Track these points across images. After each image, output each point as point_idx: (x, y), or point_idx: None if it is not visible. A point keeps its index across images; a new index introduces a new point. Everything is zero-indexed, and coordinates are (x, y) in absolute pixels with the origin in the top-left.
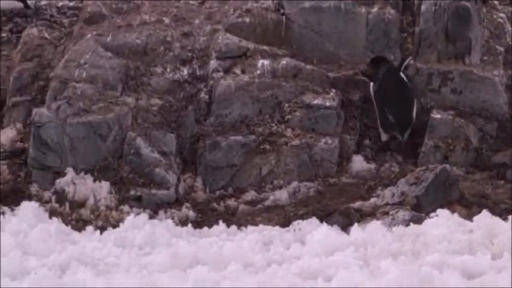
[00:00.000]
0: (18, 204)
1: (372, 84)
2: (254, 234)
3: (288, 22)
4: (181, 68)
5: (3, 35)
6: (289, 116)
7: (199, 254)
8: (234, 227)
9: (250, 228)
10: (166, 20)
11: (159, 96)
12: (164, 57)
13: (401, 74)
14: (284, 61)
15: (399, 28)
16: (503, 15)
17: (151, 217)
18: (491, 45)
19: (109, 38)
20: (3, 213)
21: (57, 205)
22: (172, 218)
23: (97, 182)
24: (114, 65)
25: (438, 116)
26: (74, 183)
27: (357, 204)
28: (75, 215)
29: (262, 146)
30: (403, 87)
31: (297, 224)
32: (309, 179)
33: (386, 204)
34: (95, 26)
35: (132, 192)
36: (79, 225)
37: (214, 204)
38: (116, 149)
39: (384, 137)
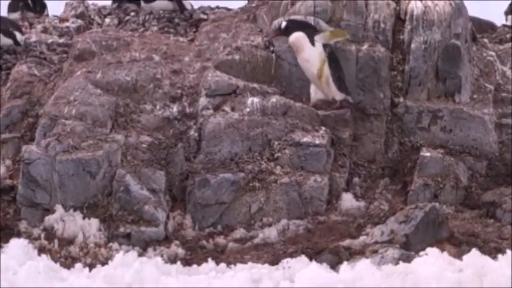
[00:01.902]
0: (7, 241)
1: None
2: (243, 272)
3: (277, 60)
4: (171, 105)
5: None
6: (279, 154)
7: None
8: (223, 265)
9: (239, 266)
10: (156, 57)
11: (149, 133)
12: (154, 95)
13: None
14: (274, 99)
15: (389, 66)
16: (493, 53)
17: (140, 255)
18: (481, 83)
19: (99, 75)
20: None
21: (46, 242)
22: (162, 256)
23: (86, 219)
24: (103, 102)
25: (428, 154)
26: (63, 221)
27: (346, 242)
28: (64, 252)
29: (251, 184)
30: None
31: (286, 262)
32: (298, 217)
33: (376, 242)
34: (85, 63)
35: (121, 230)
36: (68, 262)
37: (204, 242)
38: (105, 186)
39: (340, 96)
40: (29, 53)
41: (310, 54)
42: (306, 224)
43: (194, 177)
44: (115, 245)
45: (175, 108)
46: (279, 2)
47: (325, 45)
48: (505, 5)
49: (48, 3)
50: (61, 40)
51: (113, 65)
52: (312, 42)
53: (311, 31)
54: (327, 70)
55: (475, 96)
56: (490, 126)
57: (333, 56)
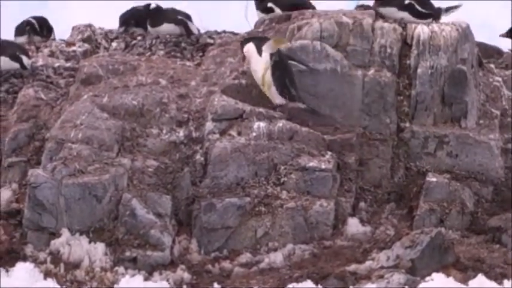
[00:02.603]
0: (13, 265)
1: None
2: None
3: None
4: (177, 130)
5: (0, 95)
6: (285, 179)
7: None
8: None
9: None
10: (163, 82)
11: (155, 157)
12: (160, 119)
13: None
14: (280, 123)
15: (395, 91)
16: (499, 78)
17: (146, 279)
18: (487, 108)
19: (105, 99)
20: None
21: (52, 266)
22: (167, 280)
23: (92, 243)
24: (110, 126)
25: (434, 179)
26: (69, 244)
27: (352, 267)
28: (70, 276)
29: (257, 208)
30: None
31: (292, 287)
32: (304, 242)
33: (382, 267)
34: (91, 86)
35: (127, 254)
36: (74, 286)
37: (209, 266)
38: (111, 210)
39: (280, 100)
40: (35, 77)
41: (257, 63)
42: (312, 248)
43: (200, 201)
44: (121, 269)
45: (181, 133)
46: (286, 27)
47: (272, 54)
48: None
49: (55, 27)
50: (68, 64)
51: (120, 89)
52: (260, 53)
53: (260, 42)
54: (268, 77)
55: (481, 121)
56: (496, 152)
57: (279, 64)
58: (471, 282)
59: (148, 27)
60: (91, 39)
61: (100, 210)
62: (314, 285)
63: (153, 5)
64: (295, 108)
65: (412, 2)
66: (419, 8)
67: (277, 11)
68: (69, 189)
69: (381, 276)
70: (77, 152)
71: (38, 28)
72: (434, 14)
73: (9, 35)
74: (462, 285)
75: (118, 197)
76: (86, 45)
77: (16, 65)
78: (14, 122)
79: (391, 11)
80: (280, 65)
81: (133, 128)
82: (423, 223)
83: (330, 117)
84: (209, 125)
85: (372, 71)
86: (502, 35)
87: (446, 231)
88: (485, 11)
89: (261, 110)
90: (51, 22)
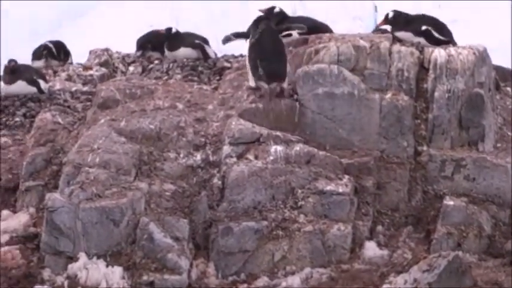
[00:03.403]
0: None
1: (249, 39)
2: None
3: (301, 108)
4: (195, 154)
5: (17, 119)
6: (302, 202)
7: None
8: None
9: None
10: (180, 106)
11: (172, 181)
12: (177, 143)
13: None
14: (297, 147)
15: (412, 114)
16: None
17: None
18: (504, 132)
19: (122, 123)
20: None
21: None
22: None
23: (109, 267)
24: (127, 150)
25: (451, 202)
26: (87, 268)
27: None
28: None
29: (274, 232)
30: (278, 44)
31: None
32: (322, 265)
33: None
34: (109, 111)
35: (145, 278)
36: None
37: None
38: (128, 234)
39: (253, 83)
40: (52, 101)
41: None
42: (330, 272)
43: (217, 225)
44: None
45: (198, 156)
46: (303, 50)
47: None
48: None
49: (73, 51)
50: (85, 88)
51: (137, 113)
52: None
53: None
54: (246, 61)
55: (498, 145)
56: None
57: (255, 47)
58: None
59: (166, 51)
60: (108, 63)
61: (117, 234)
62: None
63: (173, 29)
64: (272, 92)
65: (429, 28)
66: (436, 34)
67: (295, 34)
68: (86, 213)
69: None
70: (94, 176)
71: (55, 52)
72: (452, 41)
73: (26, 59)
74: None
75: (135, 221)
76: (103, 69)
77: (33, 89)
78: (32, 146)
79: (407, 36)
80: (255, 48)
81: (150, 152)
82: (440, 247)
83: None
84: (226, 149)
85: (389, 95)
86: None
87: (463, 254)
88: (502, 33)
89: (278, 133)
90: (68, 46)
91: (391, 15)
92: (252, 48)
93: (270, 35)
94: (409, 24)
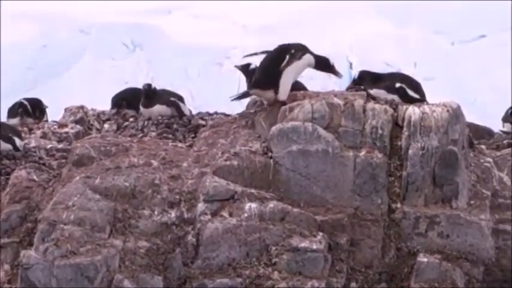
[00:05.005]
0: None
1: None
2: None
3: (275, 165)
4: (169, 211)
5: None
6: (277, 259)
7: None
8: None
9: None
10: (155, 163)
11: (147, 238)
12: (152, 200)
13: None
14: (271, 204)
15: (387, 172)
16: (490, 159)
17: None
18: (478, 189)
19: (97, 181)
20: None
21: None
22: None
23: None
24: (102, 207)
25: (425, 259)
26: None
27: None
28: None
29: None
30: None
31: None
32: None
33: None
34: (84, 168)
35: None
36: None
37: None
38: None
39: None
40: (28, 158)
41: None
42: None
43: (192, 282)
44: None
45: (173, 214)
46: (278, 108)
47: None
48: (502, 112)
49: (48, 109)
50: (60, 145)
51: (112, 171)
52: None
53: None
54: None
55: (472, 202)
56: (487, 232)
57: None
58: None
59: (141, 109)
60: (83, 120)
61: None
62: None
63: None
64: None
65: (403, 85)
66: (410, 92)
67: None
68: (61, 271)
69: None
70: (69, 233)
71: (30, 110)
72: (425, 100)
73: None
74: None
75: (110, 278)
76: (78, 127)
77: (9, 147)
78: (7, 203)
79: (380, 93)
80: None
81: (125, 209)
82: None
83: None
84: (201, 206)
85: (363, 152)
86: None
87: None
88: (476, 89)
89: (253, 191)
90: (44, 103)
91: (356, 75)
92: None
93: None
94: (381, 82)
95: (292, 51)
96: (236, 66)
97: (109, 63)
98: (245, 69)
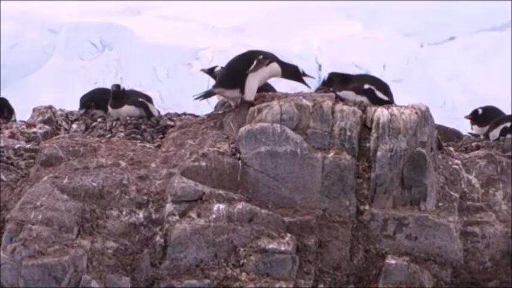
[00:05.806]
0: None
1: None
2: None
3: (244, 166)
4: (137, 211)
5: None
6: (245, 260)
7: None
8: None
9: None
10: (123, 163)
11: (115, 239)
12: (120, 201)
13: None
14: (240, 205)
15: (355, 173)
16: (458, 161)
17: None
18: (446, 191)
19: (65, 181)
20: None
21: None
22: None
23: None
24: (70, 207)
25: (393, 261)
26: None
27: None
28: None
29: None
30: None
31: None
32: None
33: None
34: (52, 168)
35: None
36: None
37: None
38: None
39: None
40: None
41: None
42: None
43: (160, 283)
44: None
45: (141, 214)
46: (246, 109)
47: None
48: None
49: (16, 109)
50: (28, 145)
51: (80, 171)
52: None
53: None
54: None
55: (440, 204)
56: (455, 234)
57: None
58: None
59: (109, 109)
60: (52, 120)
61: None
62: None
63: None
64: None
65: (372, 87)
66: (379, 94)
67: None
68: (28, 271)
69: None
70: (36, 234)
71: None
72: (394, 102)
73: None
74: None
75: (77, 279)
76: (47, 127)
77: None
78: None
79: (348, 95)
80: None
81: (93, 209)
82: None
83: None
84: (169, 207)
85: (331, 154)
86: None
87: None
88: (445, 91)
89: (221, 192)
90: (12, 104)
91: (326, 77)
92: None
93: None
94: (350, 83)
95: (261, 57)
96: (202, 70)
97: (78, 63)
98: (211, 71)
